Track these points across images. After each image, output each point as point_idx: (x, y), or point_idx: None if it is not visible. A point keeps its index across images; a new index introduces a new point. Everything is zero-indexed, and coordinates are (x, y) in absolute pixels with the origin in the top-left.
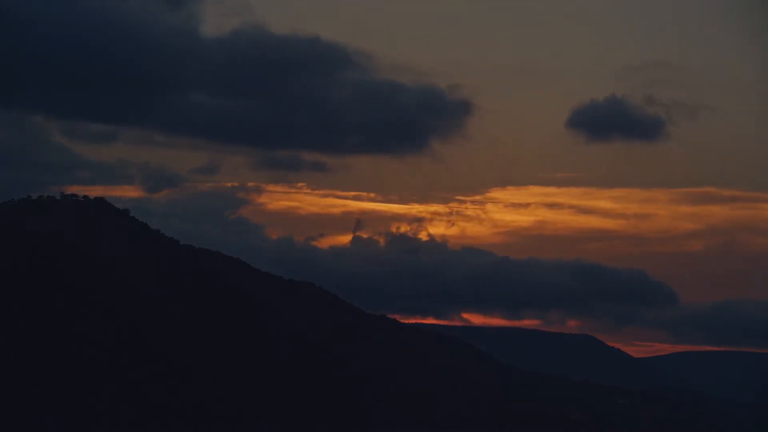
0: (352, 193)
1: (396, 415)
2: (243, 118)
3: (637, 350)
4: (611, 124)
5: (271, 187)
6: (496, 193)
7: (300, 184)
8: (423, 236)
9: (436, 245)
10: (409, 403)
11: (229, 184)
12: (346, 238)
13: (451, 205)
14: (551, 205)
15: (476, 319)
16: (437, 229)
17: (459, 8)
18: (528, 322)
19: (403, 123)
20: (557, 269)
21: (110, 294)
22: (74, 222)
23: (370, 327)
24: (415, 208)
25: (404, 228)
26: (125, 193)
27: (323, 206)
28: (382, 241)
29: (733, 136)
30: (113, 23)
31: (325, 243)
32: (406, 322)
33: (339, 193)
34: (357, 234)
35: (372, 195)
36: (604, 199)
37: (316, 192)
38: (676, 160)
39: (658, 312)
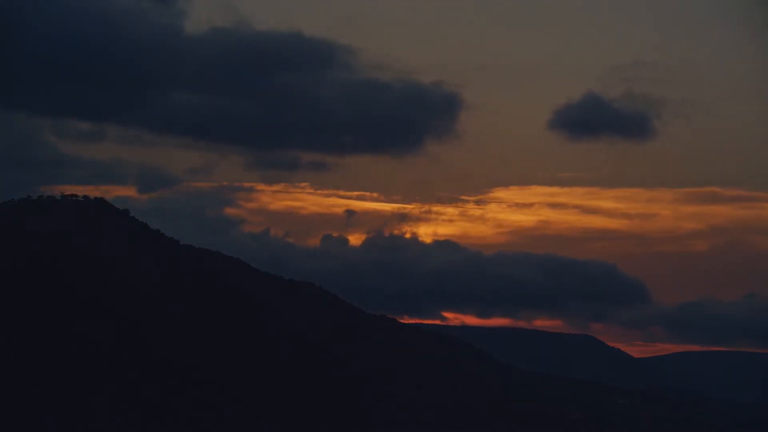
0: (355, 193)
1: (396, 415)
2: (234, 117)
3: (637, 350)
4: (610, 124)
5: (262, 187)
6: (500, 193)
7: (303, 184)
8: (423, 236)
9: (434, 244)
10: (409, 403)
11: (217, 184)
12: (344, 237)
13: (455, 204)
14: (554, 205)
15: (451, 316)
16: (440, 229)
17: (443, 5)
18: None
19: (399, 122)
20: (561, 267)
21: (110, 294)
22: (74, 222)
23: (370, 327)
24: (418, 208)
25: (407, 228)
26: (117, 193)
27: (326, 206)
28: (380, 240)
29: (735, 136)
30: (101, 21)
31: (321, 241)
32: (407, 322)
33: (341, 192)
34: (349, 231)
35: (375, 195)
36: (607, 199)
37: (318, 192)
38: (679, 160)
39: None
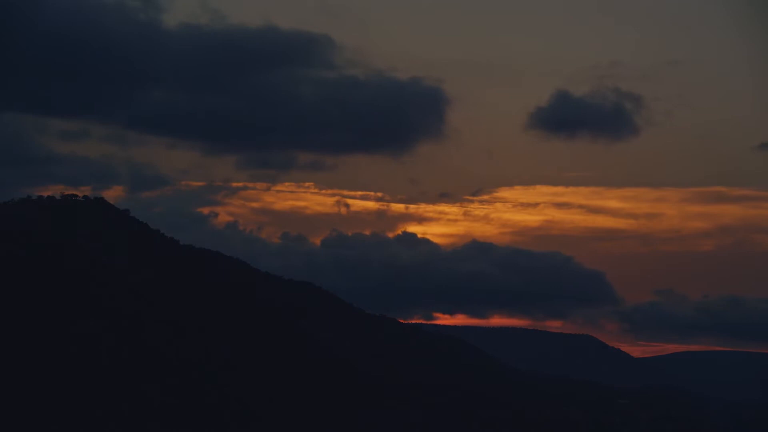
0: (359, 193)
1: (396, 414)
2: (222, 117)
3: (637, 350)
4: (613, 122)
5: (256, 185)
6: (505, 193)
7: (308, 184)
8: (424, 236)
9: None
10: (409, 403)
11: (199, 183)
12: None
13: (459, 204)
14: (560, 205)
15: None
16: (445, 229)
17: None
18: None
19: (393, 120)
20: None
21: (110, 294)
22: (74, 222)
23: (370, 327)
24: (422, 208)
25: (411, 227)
26: (109, 193)
27: (330, 205)
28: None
29: (741, 135)
30: (87, 18)
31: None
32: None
33: (346, 192)
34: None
35: (379, 194)
36: (613, 199)
37: (323, 192)
38: (684, 160)
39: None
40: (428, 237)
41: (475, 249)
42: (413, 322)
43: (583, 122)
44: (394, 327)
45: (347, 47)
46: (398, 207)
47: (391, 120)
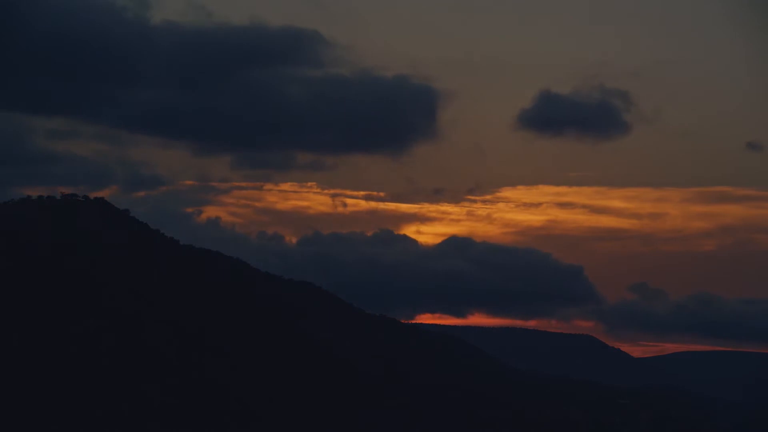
0: (362, 193)
1: (396, 414)
2: (215, 116)
3: (637, 350)
4: (613, 122)
5: (254, 184)
6: (507, 193)
7: (310, 184)
8: (427, 236)
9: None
10: (409, 403)
11: (190, 183)
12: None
13: (461, 204)
14: (563, 205)
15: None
16: (447, 229)
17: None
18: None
19: (391, 120)
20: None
21: (110, 294)
22: (74, 222)
23: (370, 327)
24: (425, 208)
25: (414, 228)
26: (103, 193)
27: (332, 206)
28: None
29: (745, 135)
30: (82, 18)
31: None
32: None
33: (348, 192)
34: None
35: (381, 194)
36: (616, 199)
37: (326, 191)
38: (684, 159)
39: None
40: (426, 236)
41: (473, 249)
42: (404, 321)
43: (582, 121)
44: (394, 327)
45: (339, 45)
46: (394, 206)
47: (388, 119)
